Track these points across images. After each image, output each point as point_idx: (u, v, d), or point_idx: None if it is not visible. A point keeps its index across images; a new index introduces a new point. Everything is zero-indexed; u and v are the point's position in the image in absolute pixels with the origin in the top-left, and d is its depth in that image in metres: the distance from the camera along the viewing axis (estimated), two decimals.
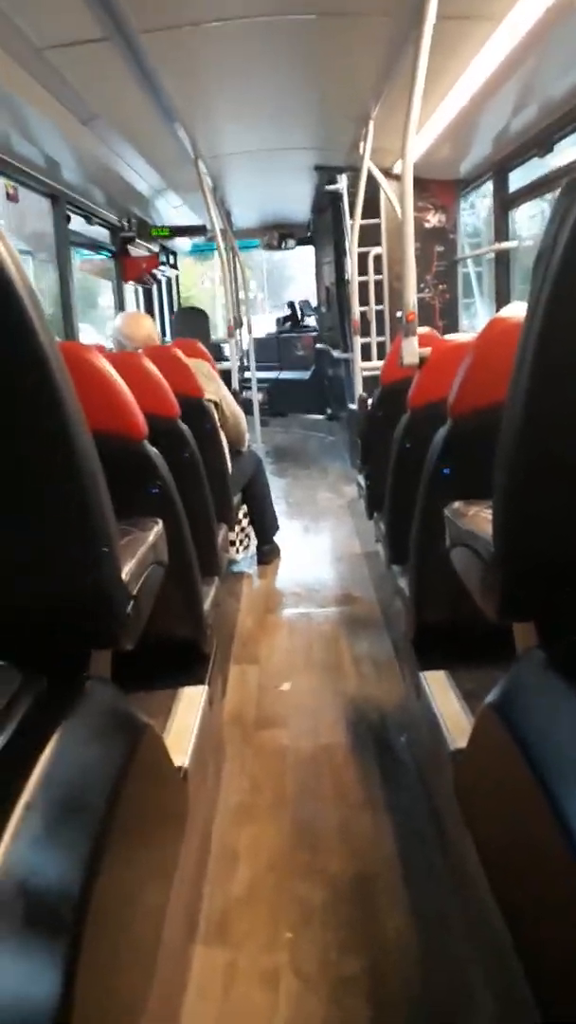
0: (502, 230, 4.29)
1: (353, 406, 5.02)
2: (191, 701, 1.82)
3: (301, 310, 9.44)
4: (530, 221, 4.46)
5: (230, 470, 3.10)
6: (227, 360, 4.96)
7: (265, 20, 2.53)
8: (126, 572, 1.11)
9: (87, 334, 6.55)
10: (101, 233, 5.38)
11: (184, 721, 1.72)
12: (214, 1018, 1.30)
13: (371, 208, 4.70)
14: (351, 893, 1.56)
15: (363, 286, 4.97)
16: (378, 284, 5.06)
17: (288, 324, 9.44)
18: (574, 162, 3.43)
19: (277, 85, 3.30)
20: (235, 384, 4.88)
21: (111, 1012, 0.79)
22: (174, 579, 1.64)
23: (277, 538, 3.90)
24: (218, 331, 7.94)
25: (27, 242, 4.40)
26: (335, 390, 7.15)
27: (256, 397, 6.89)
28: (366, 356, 5.00)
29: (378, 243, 4.99)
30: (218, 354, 5.87)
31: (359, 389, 4.71)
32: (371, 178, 4.10)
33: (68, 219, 4.33)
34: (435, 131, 3.74)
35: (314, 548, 4.16)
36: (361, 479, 3.57)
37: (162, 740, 1.27)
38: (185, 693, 1.85)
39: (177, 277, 8.22)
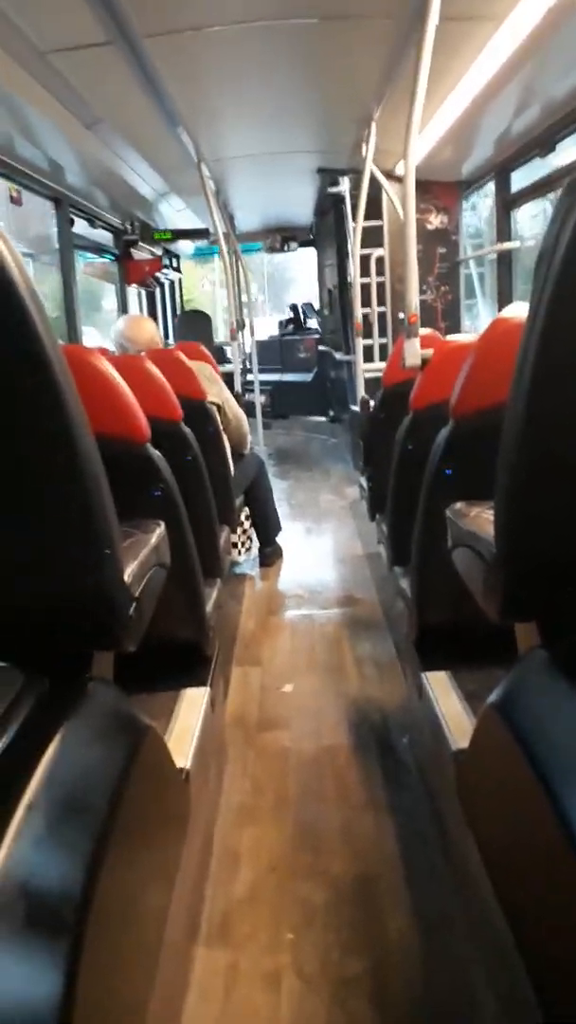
0: (504, 231, 4.29)
1: (355, 408, 5.03)
2: (193, 703, 1.82)
3: (303, 312, 9.45)
4: (532, 221, 4.47)
5: (232, 472, 3.10)
6: (230, 362, 4.97)
7: (267, 24, 2.53)
8: (128, 574, 1.11)
9: (91, 337, 6.56)
10: (104, 236, 5.39)
11: (186, 722, 1.72)
12: (216, 1019, 1.30)
13: (373, 210, 4.71)
14: (353, 894, 1.56)
15: (365, 288, 4.98)
16: (380, 286, 5.07)
17: (290, 326, 9.46)
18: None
19: (279, 88, 3.30)
20: (238, 387, 4.89)
21: (112, 1013, 0.79)
22: (176, 581, 1.64)
23: (279, 540, 3.90)
24: (219, 334, 7.94)
25: (29, 245, 4.41)
26: (337, 392, 7.16)
27: (258, 399, 6.90)
28: (368, 358, 5.01)
29: (380, 245, 5.00)
30: (220, 357, 5.89)
31: (361, 391, 4.72)
32: (373, 180, 4.10)
33: (72, 222, 4.34)
34: (437, 133, 3.74)
35: (316, 550, 4.16)
36: (363, 481, 3.57)
37: (164, 741, 1.27)
38: (187, 695, 1.85)
39: (180, 280, 8.23)
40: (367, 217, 4.53)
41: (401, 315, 2.44)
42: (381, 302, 5.08)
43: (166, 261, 6.56)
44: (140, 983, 0.94)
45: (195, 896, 1.56)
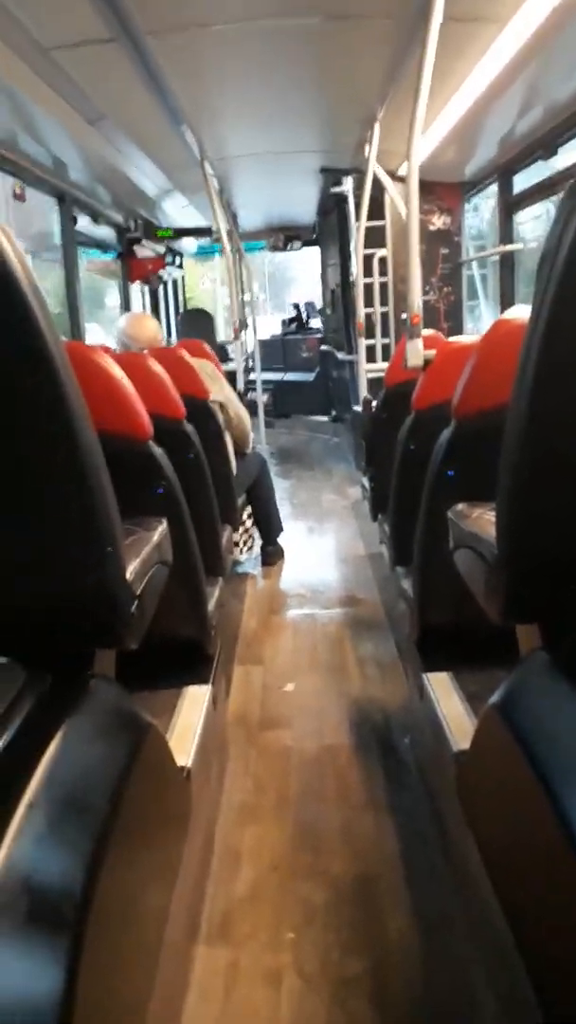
0: (507, 233, 4.29)
1: (357, 408, 5.02)
2: (195, 701, 1.82)
3: (306, 312, 9.45)
4: (534, 222, 4.46)
5: (235, 471, 3.10)
6: (232, 361, 4.96)
7: (270, 22, 2.53)
8: (130, 571, 1.11)
9: (94, 334, 6.56)
10: (108, 234, 5.39)
11: (188, 721, 1.72)
12: (216, 1018, 1.30)
13: (376, 210, 4.70)
14: (353, 894, 1.57)
15: (368, 288, 4.98)
16: (383, 286, 5.06)
17: (293, 326, 9.46)
18: None
19: (283, 87, 3.30)
20: (240, 385, 4.89)
21: (113, 1012, 0.79)
22: (178, 579, 1.64)
23: (281, 539, 3.90)
24: (220, 332, 7.95)
25: (32, 241, 4.41)
26: (339, 392, 7.15)
27: (261, 399, 6.89)
28: (371, 358, 5.01)
29: (383, 245, 4.99)
30: (223, 355, 5.89)
31: (363, 391, 4.72)
32: (376, 180, 4.10)
33: (75, 219, 4.34)
34: (440, 133, 3.74)
35: (318, 549, 4.16)
36: (365, 481, 3.57)
37: (165, 740, 1.27)
38: (189, 693, 1.85)
39: (183, 278, 8.23)
40: (370, 217, 4.53)
41: (403, 315, 2.43)
42: (384, 302, 5.07)
43: (169, 259, 6.56)
44: (140, 981, 0.94)
45: (196, 895, 1.56)
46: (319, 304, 8.80)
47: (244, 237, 7.17)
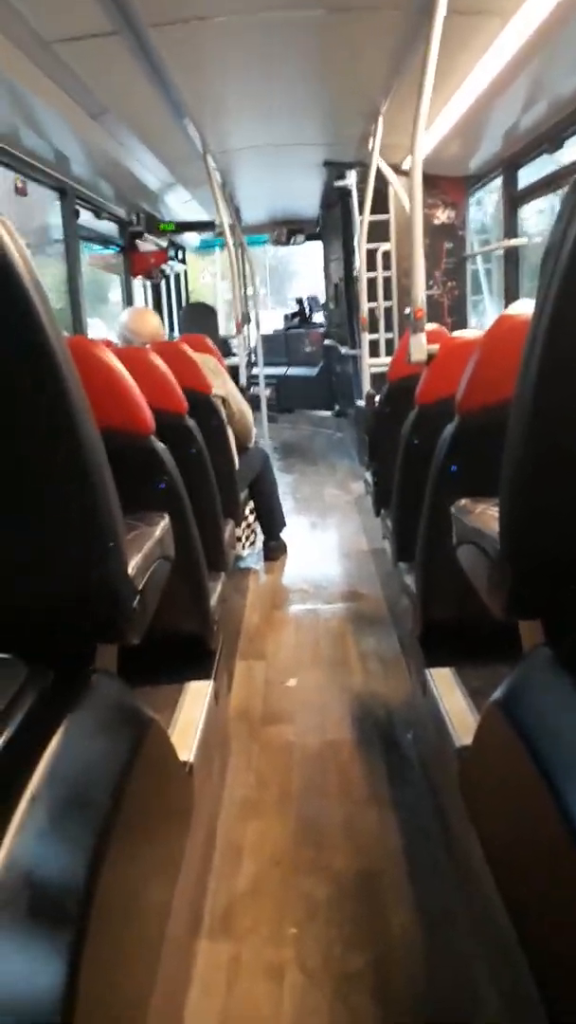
0: (511, 227, 4.27)
1: (361, 402, 5.02)
2: (197, 696, 1.82)
3: (309, 306, 9.43)
4: (538, 216, 4.44)
5: (237, 466, 3.10)
6: (235, 356, 4.96)
7: (274, 15, 2.52)
8: (132, 566, 1.11)
9: (97, 329, 6.55)
10: (110, 228, 5.38)
11: (190, 716, 1.72)
12: (218, 1013, 1.31)
13: (380, 204, 4.68)
14: (356, 889, 1.57)
15: (371, 282, 4.97)
16: (386, 280, 5.05)
17: (296, 320, 9.44)
18: None
19: (286, 80, 3.29)
20: (243, 380, 4.88)
21: (115, 1006, 0.80)
22: (180, 574, 1.64)
23: (284, 534, 3.90)
24: (222, 327, 7.94)
25: (33, 235, 4.40)
26: (343, 386, 7.14)
27: (264, 393, 6.89)
28: (374, 352, 4.99)
29: (387, 239, 4.98)
30: (226, 350, 5.88)
31: (367, 385, 4.71)
32: (380, 174, 4.08)
33: (77, 213, 4.33)
34: (444, 127, 3.72)
35: (321, 544, 4.16)
36: (368, 476, 3.57)
37: (167, 735, 1.27)
38: (191, 688, 1.85)
39: (186, 272, 8.21)
40: (373, 211, 4.51)
41: (407, 310, 2.43)
42: (387, 297, 5.06)
43: (171, 253, 6.54)
44: (142, 976, 0.94)
45: (198, 890, 1.56)
46: (322, 298, 8.79)
47: (247, 231, 7.16)
